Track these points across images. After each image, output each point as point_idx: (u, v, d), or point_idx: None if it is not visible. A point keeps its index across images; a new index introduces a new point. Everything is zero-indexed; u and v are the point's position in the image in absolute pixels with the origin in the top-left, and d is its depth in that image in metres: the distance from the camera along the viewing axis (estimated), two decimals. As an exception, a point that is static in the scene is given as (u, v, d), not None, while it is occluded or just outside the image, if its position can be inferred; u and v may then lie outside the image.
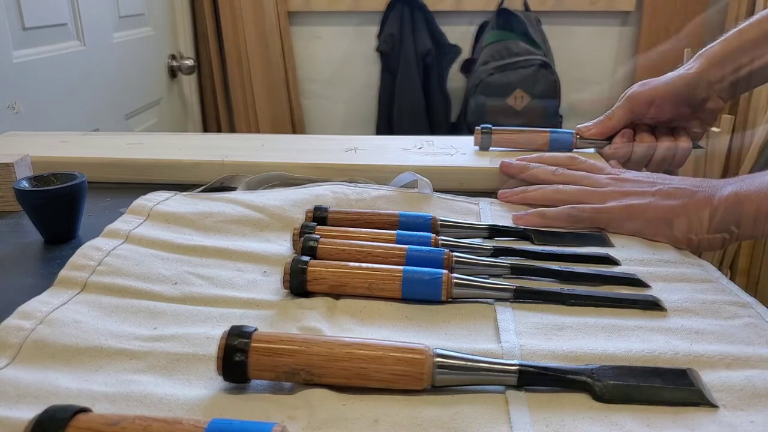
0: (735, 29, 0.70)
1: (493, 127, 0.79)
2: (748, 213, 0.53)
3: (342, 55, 2.13)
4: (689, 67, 0.71)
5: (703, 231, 0.55)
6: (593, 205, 0.60)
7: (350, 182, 0.68)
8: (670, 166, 0.75)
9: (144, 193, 0.61)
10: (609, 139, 0.76)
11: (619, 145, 0.74)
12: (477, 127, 0.79)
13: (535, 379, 0.36)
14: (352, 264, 0.47)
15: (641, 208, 0.58)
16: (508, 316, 0.44)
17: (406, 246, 0.50)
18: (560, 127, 1.02)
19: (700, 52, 0.72)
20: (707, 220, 0.55)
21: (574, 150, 0.77)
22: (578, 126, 0.78)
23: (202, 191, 0.66)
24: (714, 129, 1.42)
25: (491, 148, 0.79)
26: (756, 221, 0.53)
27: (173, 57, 1.90)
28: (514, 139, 0.78)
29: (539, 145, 0.78)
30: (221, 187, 0.70)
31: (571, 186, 0.63)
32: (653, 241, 0.57)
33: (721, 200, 0.54)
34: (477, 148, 0.79)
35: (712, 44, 0.71)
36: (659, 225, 0.57)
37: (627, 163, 0.75)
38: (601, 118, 0.76)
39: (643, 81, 0.74)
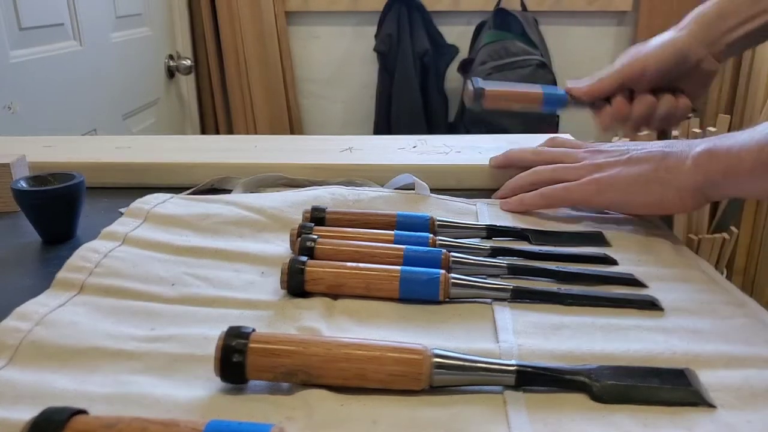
0: None
1: (486, 87, 0.72)
2: (716, 171, 0.51)
3: (340, 55, 2.13)
4: (681, 28, 0.69)
5: (678, 193, 0.54)
6: (563, 184, 0.59)
7: (348, 183, 0.68)
8: (669, 125, 0.72)
9: (141, 196, 0.61)
10: (606, 100, 0.71)
11: (619, 103, 0.70)
12: (468, 85, 0.72)
13: (533, 379, 0.36)
14: (350, 264, 0.47)
15: (610, 179, 0.56)
16: (506, 315, 0.44)
17: (404, 246, 0.50)
18: (558, 128, 1.01)
19: (693, 12, 0.69)
20: (681, 181, 0.53)
21: (568, 108, 0.73)
22: (568, 83, 0.74)
23: (190, 193, 0.66)
24: (711, 128, 1.42)
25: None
26: (725, 181, 0.51)
27: (171, 57, 1.90)
28: (507, 95, 0.73)
29: (532, 101, 0.73)
30: (212, 189, 0.69)
31: (548, 166, 0.62)
32: (650, 240, 0.56)
33: (694, 158, 0.53)
34: (472, 146, 0.78)
35: (705, 4, 0.68)
36: (631, 193, 0.56)
37: (627, 122, 0.71)
38: (593, 80, 0.71)
39: (637, 46, 0.70)
